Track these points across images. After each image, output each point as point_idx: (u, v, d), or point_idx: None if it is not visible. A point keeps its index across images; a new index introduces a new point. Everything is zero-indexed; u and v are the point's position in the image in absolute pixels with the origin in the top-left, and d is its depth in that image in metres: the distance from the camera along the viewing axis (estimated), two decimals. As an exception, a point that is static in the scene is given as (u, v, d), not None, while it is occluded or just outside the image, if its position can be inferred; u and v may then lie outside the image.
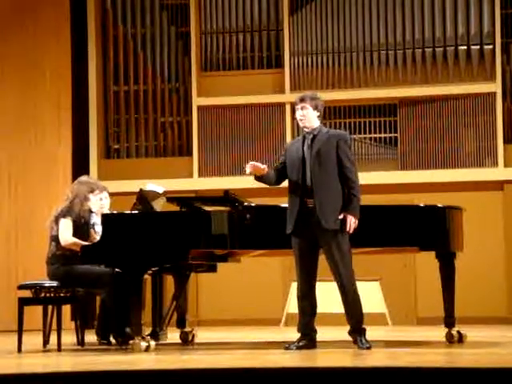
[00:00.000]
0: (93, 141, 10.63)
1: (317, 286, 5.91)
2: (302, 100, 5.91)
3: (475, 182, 10.07)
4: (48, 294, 6.47)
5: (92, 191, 6.61)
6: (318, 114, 5.91)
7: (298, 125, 10.13)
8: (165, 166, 10.46)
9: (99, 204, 6.91)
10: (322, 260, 5.86)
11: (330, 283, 5.91)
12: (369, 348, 5.66)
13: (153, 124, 10.75)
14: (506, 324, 9.55)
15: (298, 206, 5.78)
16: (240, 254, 6.63)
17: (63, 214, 6.45)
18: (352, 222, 5.72)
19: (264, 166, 5.88)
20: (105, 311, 6.77)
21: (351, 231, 5.73)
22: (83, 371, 4.52)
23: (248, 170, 5.87)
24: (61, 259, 6.41)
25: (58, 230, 6.43)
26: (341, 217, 5.73)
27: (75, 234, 6.40)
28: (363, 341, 5.71)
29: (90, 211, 6.64)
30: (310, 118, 5.88)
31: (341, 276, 5.73)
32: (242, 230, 5.96)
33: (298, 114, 5.93)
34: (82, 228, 6.47)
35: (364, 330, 5.78)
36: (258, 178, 5.94)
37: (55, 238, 6.45)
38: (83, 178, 6.83)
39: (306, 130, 5.92)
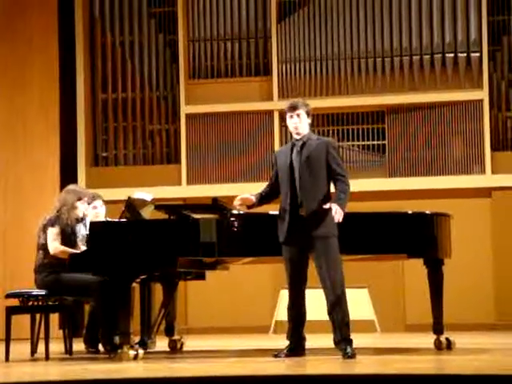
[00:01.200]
0: (81, 149, 10.61)
1: (306, 294, 5.90)
2: (296, 108, 5.85)
3: (463, 188, 10.10)
4: (36, 303, 6.45)
5: (79, 199, 6.59)
6: (310, 120, 5.91)
7: (286, 132, 10.23)
8: (153, 173, 10.45)
9: (93, 213, 6.91)
10: (312, 267, 5.86)
11: (319, 290, 5.91)
12: (353, 357, 5.59)
13: (141, 132, 10.74)
14: (494, 331, 9.57)
15: (288, 214, 5.78)
16: (228, 261, 6.63)
17: (51, 222, 6.44)
18: (338, 211, 5.60)
19: (251, 197, 5.89)
20: (93, 319, 6.75)
21: (340, 219, 5.61)
22: (71, 380, 4.50)
23: (238, 203, 5.88)
24: (48, 267, 6.39)
25: (45, 238, 6.42)
26: (327, 206, 5.66)
27: (63, 243, 6.39)
28: (348, 350, 5.63)
29: (78, 220, 6.62)
30: (303, 125, 5.86)
31: (331, 284, 5.69)
32: (231, 238, 5.96)
33: (292, 122, 5.85)
34: (69, 237, 6.45)
35: (351, 340, 5.72)
36: (250, 207, 5.95)
37: (43, 247, 6.44)
38: (71, 187, 6.82)
39: (297, 137, 5.88)
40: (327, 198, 5.75)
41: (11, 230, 10.11)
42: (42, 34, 10.38)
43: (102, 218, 6.93)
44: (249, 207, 5.97)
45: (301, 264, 5.80)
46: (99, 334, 6.66)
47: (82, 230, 6.74)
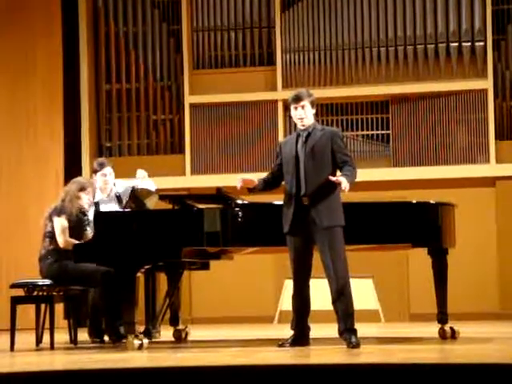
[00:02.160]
0: (85, 139, 10.61)
1: (310, 284, 5.91)
2: (300, 99, 5.80)
3: (467, 178, 10.08)
4: (41, 293, 6.47)
5: (83, 189, 6.60)
6: (314, 111, 5.89)
7: (290, 122, 10.21)
8: (157, 163, 10.44)
9: (102, 180, 6.91)
10: (316, 257, 5.86)
11: (323, 280, 5.91)
12: (358, 346, 5.60)
13: (145, 122, 10.73)
14: (498, 320, 9.57)
15: (293, 204, 5.77)
16: (233, 251, 6.63)
17: (57, 211, 6.48)
18: (343, 179, 5.53)
19: (253, 178, 5.88)
20: (95, 311, 6.76)
21: (347, 188, 5.54)
22: (76, 369, 4.51)
23: (239, 185, 5.87)
24: (54, 254, 6.43)
25: (52, 226, 6.47)
26: (334, 178, 5.60)
27: (70, 234, 6.43)
28: (353, 339, 5.63)
29: (82, 211, 6.62)
30: (308, 116, 5.82)
31: (335, 274, 5.68)
32: (235, 228, 5.96)
33: (297, 114, 5.81)
34: (74, 227, 6.48)
35: (355, 330, 5.73)
36: (251, 190, 5.94)
37: (49, 235, 6.48)
38: (75, 179, 6.85)
39: (301, 127, 5.86)
40: (333, 188, 5.74)
41: (15, 220, 10.12)
42: (45, 24, 10.37)
43: (110, 186, 6.93)
44: (249, 190, 5.95)
45: (305, 254, 5.80)
46: (103, 324, 6.68)
47: (110, 208, 6.80)
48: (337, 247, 5.72)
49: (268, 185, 6.01)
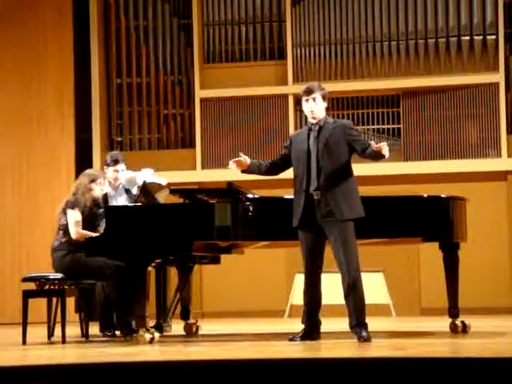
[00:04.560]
0: (96, 133, 10.63)
1: (322, 278, 5.90)
2: (311, 91, 5.79)
3: (478, 172, 10.05)
4: (52, 287, 6.49)
5: (93, 180, 6.63)
6: (326, 104, 5.86)
7: (300, 116, 10.20)
8: (168, 158, 10.46)
9: (113, 176, 6.91)
10: (327, 251, 5.86)
11: (334, 274, 5.91)
12: (369, 340, 5.60)
13: (155, 116, 10.74)
14: (510, 314, 9.54)
15: (303, 199, 5.76)
16: (243, 245, 6.64)
17: (70, 204, 6.53)
18: (386, 146, 5.53)
19: (245, 157, 5.86)
20: (105, 305, 6.78)
21: (387, 155, 5.56)
22: (88, 363, 4.53)
23: (233, 166, 5.86)
24: (66, 247, 6.45)
25: (66, 219, 6.51)
26: (375, 146, 5.55)
27: (85, 225, 6.46)
28: (364, 333, 5.64)
29: (96, 203, 6.64)
30: (319, 109, 5.80)
31: (347, 268, 5.68)
32: (246, 222, 5.96)
33: (308, 107, 5.79)
34: (87, 219, 6.51)
35: (366, 324, 5.73)
36: (245, 171, 5.93)
37: (63, 227, 6.53)
38: (85, 171, 6.86)
39: (312, 121, 5.84)
40: (349, 181, 5.72)
41: (27, 214, 10.15)
42: (56, 18, 10.39)
43: (120, 182, 6.91)
44: (243, 171, 5.92)
45: (317, 248, 5.79)
46: (114, 318, 6.70)
47: (120, 201, 6.81)
48: (349, 241, 5.71)
49: (264, 171, 5.97)
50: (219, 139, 10.51)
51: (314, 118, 5.82)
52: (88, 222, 6.49)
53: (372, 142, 5.68)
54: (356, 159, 5.89)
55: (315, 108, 5.79)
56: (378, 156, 5.64)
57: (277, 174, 6.05)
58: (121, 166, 6.96)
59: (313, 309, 5.88)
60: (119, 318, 6.61)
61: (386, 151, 5.56)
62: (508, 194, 10.10)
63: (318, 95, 5.79)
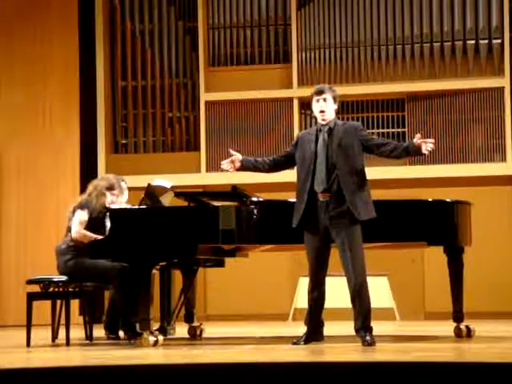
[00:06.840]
0: (101, 136, 10.65)
1: (327, 281, 5.89)
2: (322, 92, 5.76)
3: (483, 176, 10.04)
4: (56, 289, 6.49)
5: (110, 188, 6.61)
6: (336, 106, 5.84)
7: (305, 120, 10.20)
8: (172, 161, 10.47)
9: (110, 199, 6.87)
10: (333, 255, 5.85)
11: (338, 278, 5.90)
12: (373, 344, 5.58)
13: (160, 119, 10.75)
14: (514, 319, 9.53)
15: (305, 200, 5.74)
16: (248, 248, 6.64)
17: (80, 205, 6.54)
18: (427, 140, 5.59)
19: (236, 153, 5.83)
20: (113, 306, 6.78)
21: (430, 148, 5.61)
22: (92, 365, 4.53)
23: (227, 167, 5.85)
24: (72, 250, 6.45)
25: (75, 220, 6.51)
26: (419, 141, 5.60)
27: (88, 227, 6.45)
28: (368, 338, 5.62)
29: (106, 208, 6.62)
30: (330, 110, 5.77)
31: (353, 271, 5.66)
32: (250, 225, 5.96)
33: (318, 106, 5.75)
34: (95, 222, 6.49)
35: (371, 328, 5.73)
36: (239, 169, 5.91)
37: (71, 229, 6.50)
38: (106, 175, 6.87)
39: (322, 122, 5.79)
40: (364, 182, 5.71)
41: (32, 216, 10.17)
42: (62, 21, 10.42)
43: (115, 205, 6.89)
44: (237, 169, 5.91)
45: (323, 251, 5.76)
46: (119, 321, 6.70)
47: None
48: (356, 245, 5.69)
49: (266, 168, 5.93)
50: (224, 142, 10.51)
51: (323, 120, 5.78)
52: (92, 226, 6.48)
53: (418, 135, 5.67)
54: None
55: (326, 108, 5.76)
56: (413, 152, 5.68)
57: (278, 171, 6.01)
58: (124, 197, 6.90)
59: (316, 309, 5.85)
60: (124, 320, 6.61)
61: (426, 149, 5.60)
62: (513, 199, 10.09)
63: (328, 96, 5.77)
